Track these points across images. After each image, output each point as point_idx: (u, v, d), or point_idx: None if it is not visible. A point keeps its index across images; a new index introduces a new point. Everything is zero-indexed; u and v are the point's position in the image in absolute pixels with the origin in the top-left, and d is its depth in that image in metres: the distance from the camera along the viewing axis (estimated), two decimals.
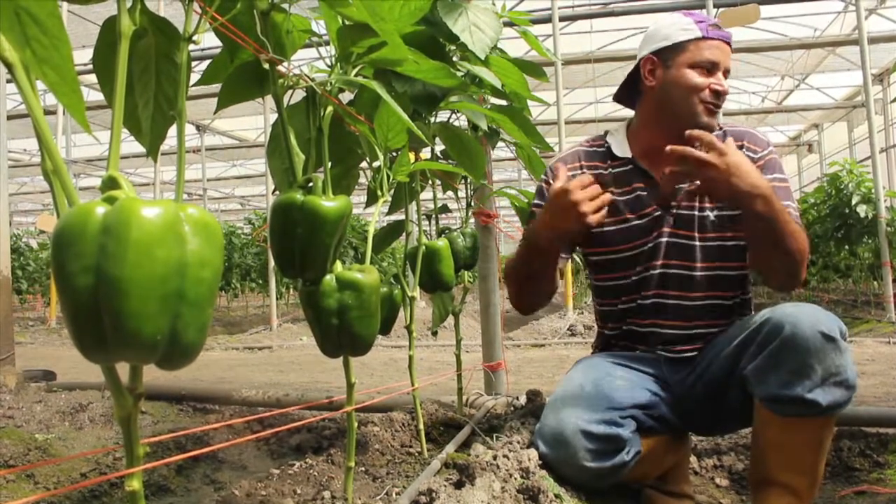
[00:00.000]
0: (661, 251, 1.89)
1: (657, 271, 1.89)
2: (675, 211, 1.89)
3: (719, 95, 1.83)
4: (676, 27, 1.88)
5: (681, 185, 1.85)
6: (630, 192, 1.93)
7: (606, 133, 2.04)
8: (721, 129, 1.92)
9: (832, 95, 15.66)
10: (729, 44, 1.86)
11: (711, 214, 1.87)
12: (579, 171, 1.97)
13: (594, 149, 2.03)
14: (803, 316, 1.54)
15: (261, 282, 13.88)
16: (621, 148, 1.96)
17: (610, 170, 1.96)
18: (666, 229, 1.89)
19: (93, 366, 0.78)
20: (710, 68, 1.83)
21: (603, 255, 1.97)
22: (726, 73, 1.86)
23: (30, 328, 12.00)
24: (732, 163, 1.59)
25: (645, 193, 1.91)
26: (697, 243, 1.87)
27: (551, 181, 1.95)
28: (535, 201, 2.05)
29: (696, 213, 1.88)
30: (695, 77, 1.83)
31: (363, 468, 2.00)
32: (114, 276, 0.68)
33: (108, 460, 2.32)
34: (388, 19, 1.44)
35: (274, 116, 1.49)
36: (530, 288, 2.00)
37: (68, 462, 2.26)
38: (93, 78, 1.05)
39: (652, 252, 1.90)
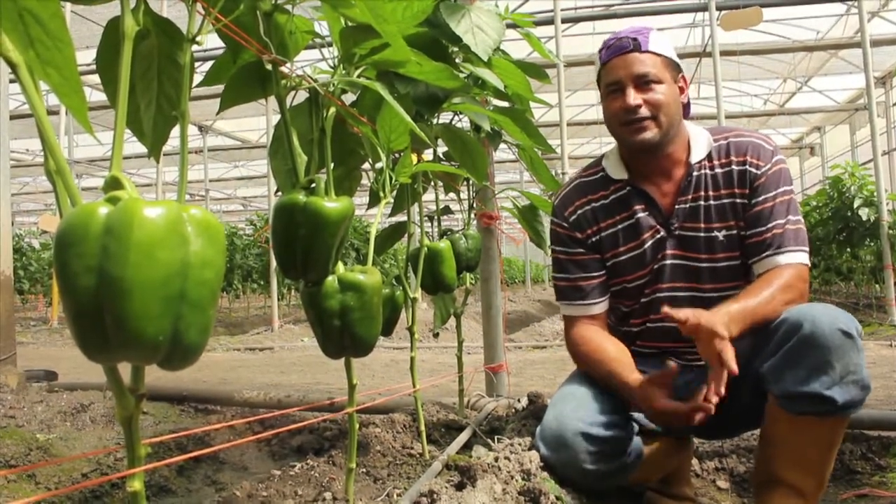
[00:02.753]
0: (665, 274, 1.85)
1: (664, 294, 1.85)
2: (677, 232, 1.85)
3: (632, 111, 1.77)
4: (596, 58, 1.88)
5: (681, 206, 1.84)
6: (631, 215, 1.89)
7: (602, 158, 2.00)
8: (726, 139, 1.85)
9: (834, 98, 15.63)
10: (629, 52, 1.78)
11: (720, 234, 1.82)
12: (587, 208, 1.94)
13: (592, 177, 1.98)
14: (821, 314, 1.53)
15: (262, 283, 13.88)
16: (617, 171, 1.92)
17: (612, 196, 1.92)
18: (669, 251, 1.85)
19: (94, 366, 0.78)
20: (617, 90, 1.80)
21: (618, 286, 1.93)
22: (640, 80, 1.77)
23: (32, 328, 12.00)
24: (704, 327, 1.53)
25: (645, 214, 1.87)
26: (705, 264, 1.83)
27: (564, 224, 1.96)
28: (555, 247, 2.00)
29: (703, 233, 1.83)
30: (611, 104, 1.82)
31: (364, 469, 2.00)
32: (116, 277, 0.68)
33: (110, 461, 2.32)
34: (390, 21, 1.44)
35: (276, 117, 1.50)
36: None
37: (69, 462, 2.26)
38: (96, 78, 1.05)
39: (657, 275, 1.86)
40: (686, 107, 1.88)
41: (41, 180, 20.48)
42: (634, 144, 1.81)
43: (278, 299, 10.71)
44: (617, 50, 1.79)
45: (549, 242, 2.07)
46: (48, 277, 15.54)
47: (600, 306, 1.93)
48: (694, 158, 1.83)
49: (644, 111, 1.77)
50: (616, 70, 1.79)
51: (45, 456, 2.40)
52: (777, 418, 1.61)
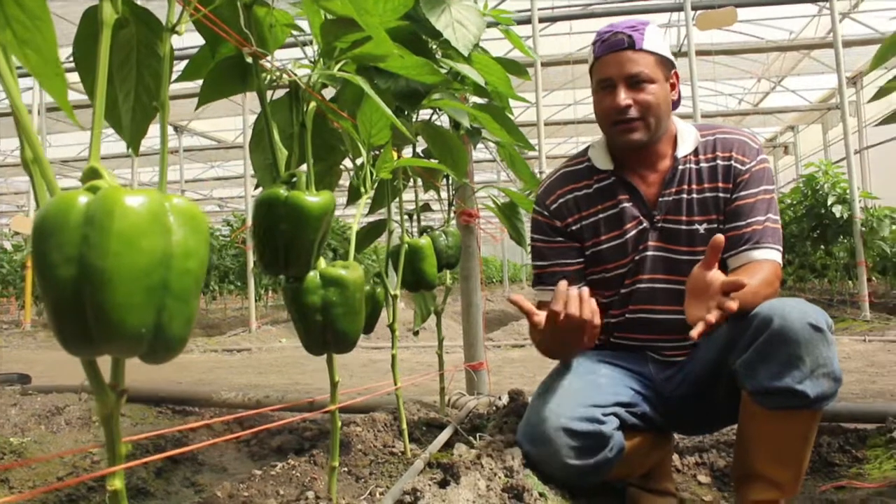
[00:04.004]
0: (646, 265, 1.86)
1: (644, 286, 1.86)
2: (660, 224, 1.85)
3: (623, 110, 1.77)
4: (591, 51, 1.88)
5: (665, 199, 1.85)
6: (615, 205, 1.89)
7: (588, 148, 2.00)
8: (713, 134, 1.87)
9: (807, 98, 15.83)
10: (623, 49, 1.76)
11: (701, 228, 1.82)
12: (570, 196, 1.94)
13: (577, 167, 1.98)
14: (791, 308, 1.54)
15: (239, 284, 13.75)
16: (603, 161, 1.92)
17: (595, 185, 1.93)
18: (651, 243, 1.85)
19: (69, 369, 0.76)
20: (608, 87, 1.80)
21: (597, 275, 1.93)
22: (632, 79, 1.76)
23: (4, 331, 11.81)
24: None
25: (629, 204, 1.88)
26: (685, 257, 1.82)
27: (545, 213, 1.96)
28: (534, 236, 2.01)
29: (685, 226, 1.84)
30: (602, 101, 1.82)
31: (346, 468, 1.98)
32: (97, 267, 0.66)
33: (86, 463, 2.28)
34: (372, 13, 1.43)
35: (253, 117, 1.48)
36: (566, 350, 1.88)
37: (44, 465, 2.22)
38: (73, 77, 1.02)
39: (638, 266, 1.87)
40: (676, 101, 1.88)
41: (13, 181, 20.18)
42: (622, 144, 1.83)
43: (255, 300, 10.63)
44: (611, 46, 1.78)
45: (530, 231, 2.07)
46: (21, 280, 15.26)
47: None
48: (680, 153, 1.85)
49: (633, 112, 1.77)
50: (608, 67, 1.79)
51: (19, 460, 2.35)
52: (752, 413, 1.63)
